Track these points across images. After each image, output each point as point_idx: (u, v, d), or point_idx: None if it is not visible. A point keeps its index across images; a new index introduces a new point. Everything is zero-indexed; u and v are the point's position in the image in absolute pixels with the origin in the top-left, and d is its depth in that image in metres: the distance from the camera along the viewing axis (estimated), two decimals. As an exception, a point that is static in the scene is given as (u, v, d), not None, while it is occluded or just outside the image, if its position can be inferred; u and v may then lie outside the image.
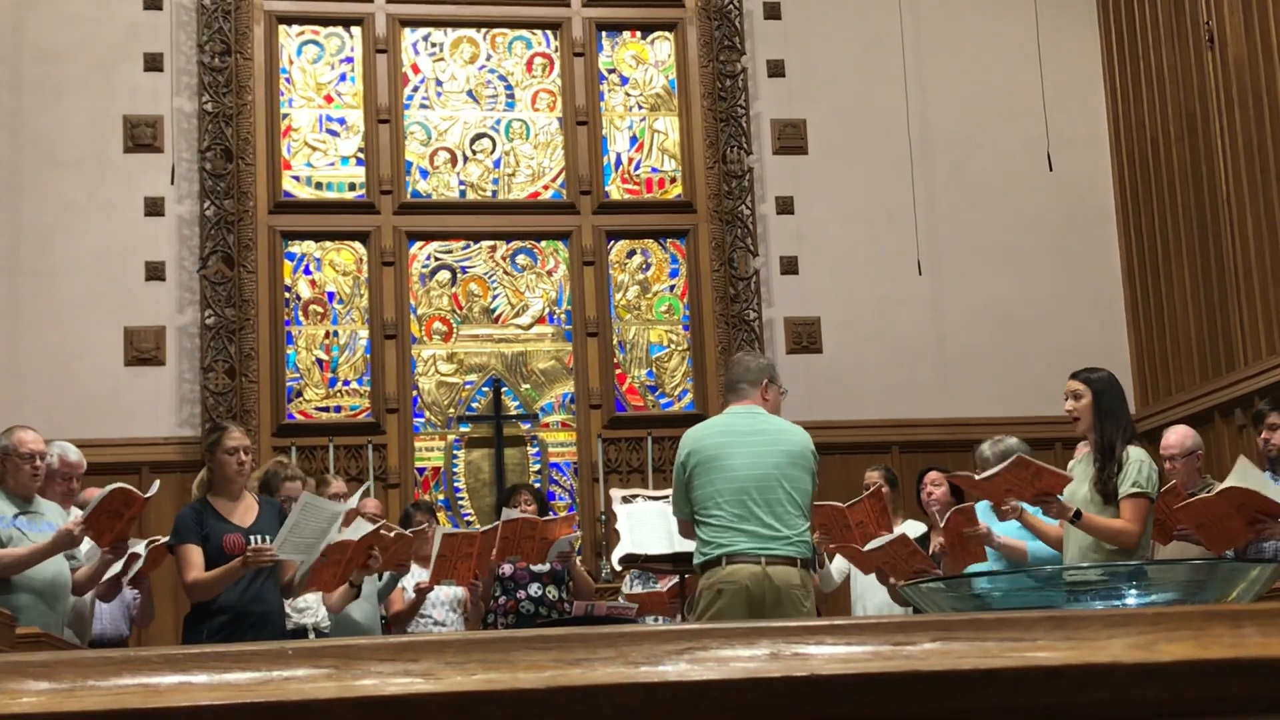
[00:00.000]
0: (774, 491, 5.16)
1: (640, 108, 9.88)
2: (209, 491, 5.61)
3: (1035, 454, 5.79)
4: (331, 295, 9.35)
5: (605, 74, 9.87)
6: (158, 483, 6.06)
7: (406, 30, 9.71)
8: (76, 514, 5.82)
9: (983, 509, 5.53)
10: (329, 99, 9.57)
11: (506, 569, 6.80)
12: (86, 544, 5.63)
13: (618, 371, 9.49)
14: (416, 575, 6.65)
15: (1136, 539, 4.97)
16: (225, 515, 5.50)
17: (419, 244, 9.49)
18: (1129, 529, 4.97)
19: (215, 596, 5.36)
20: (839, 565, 6.74)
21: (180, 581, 5.57)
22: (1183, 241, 9.28)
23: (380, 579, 6.41)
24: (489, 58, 9.79)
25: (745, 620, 4.61)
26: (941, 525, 5.74)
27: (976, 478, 5.21)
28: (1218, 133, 8.87)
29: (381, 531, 5.85)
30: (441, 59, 9.74)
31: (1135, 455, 5.05)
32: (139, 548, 5.74)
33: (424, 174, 9.59)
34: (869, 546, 5.96)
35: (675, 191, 9.78)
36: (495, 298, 9.52)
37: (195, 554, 5.41)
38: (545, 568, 6.83)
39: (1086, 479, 5.10)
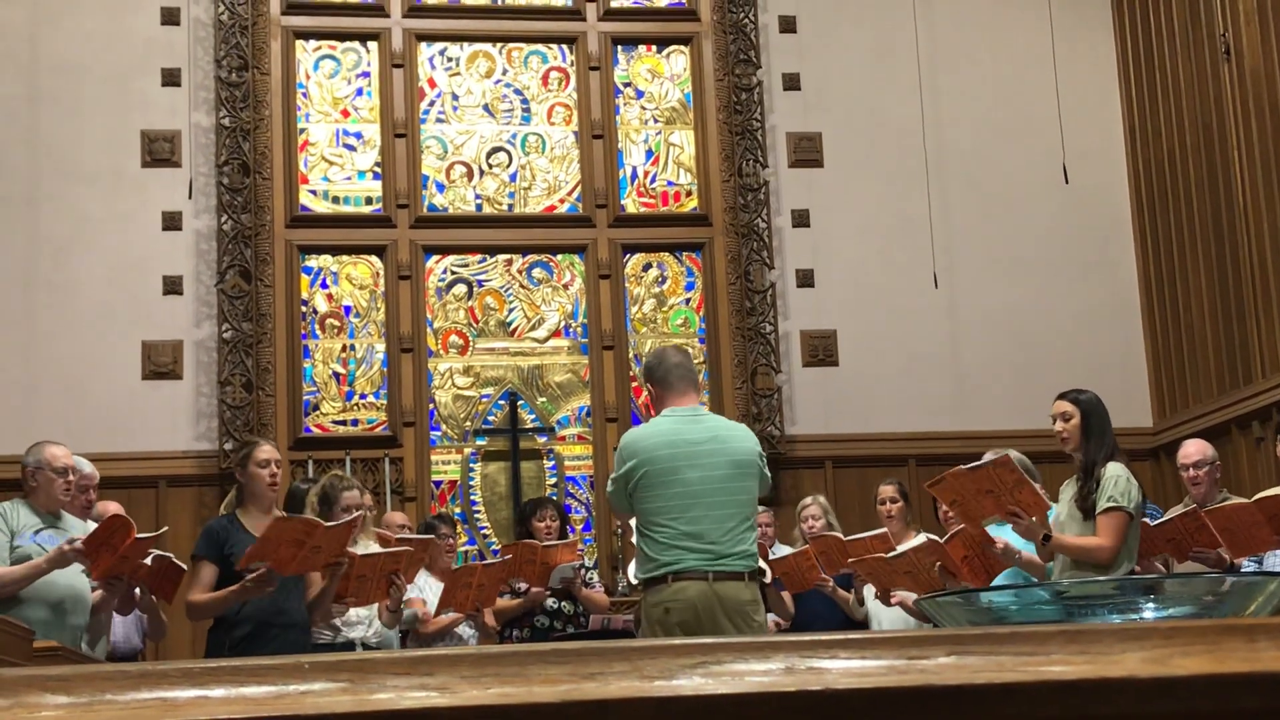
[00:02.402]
0: (723, 506, 5.03)
1: (656, 121, 9.90)
2: (238, 507, 5.62)
3: (1050, 469, 5.80)
4: (348, 309, 9.37)
5: (621, 88, 9.89)
6: (165, 529, 6.06)
7: (423, 45, 9.74)
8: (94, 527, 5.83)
9: (1003, 530, 5.51)
10: (346, 113, 9.60)
11: (521, 585, 6.80)
12: None
13: (634, 384, 9.49)
14: (432, 588, 6.65)
15: (1109, 554, 4.98)
16: (254, 531, 5.49)
17: (435, 257, 9.51)
18: (1101, 545, 4.98)
19: (239, 609, 5.35)
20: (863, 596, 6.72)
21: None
22: (1200, 253, 9.27)
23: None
24: (505, 72, 9.82)
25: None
26: (946, 539, 5.71)
27: (963, 469, 5.19)
28: (1234, 144, 8.86)
29: (395, 547, 5.87)
30: (458, 73, 9.77)
31: (1113, 471, 5.09)
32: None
33: (440, 188, 9.62)
34: (895, 552, 5.96)
35: (691, 205, 9.80)
36: (511, 311, 9.53)
37: (206, 572, 5.40)
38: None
39: (1069, 498, 5.15)
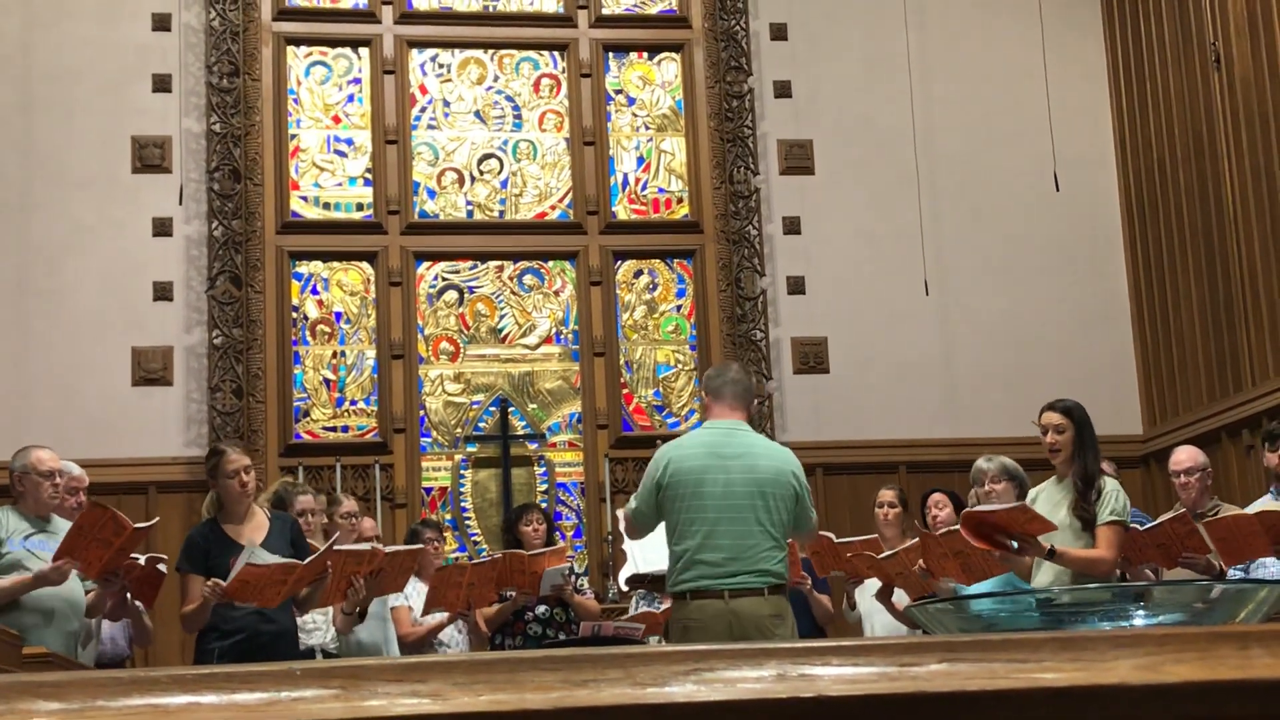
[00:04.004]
0: (744, 523, 5.03)
1: (647, 128, 9.90)
2: (218, 512, 5.61)
3: (1040, 476, 5.79)
4: (339, 315, 9.36)
5: (612, 95, 9.89)
6: (157, 519, 6.03)
7: (414, 51, 9.73)
8: None
9: None
10: (337, 120, 9.60)
11: (510, 593, 6.77)
12: None
13: (624, 391, 9.49)
14: (420, 594, 6.64)
15: (1112, 567, 5.09)
16: (234, 536, 5.49)
17: (426, 264, 9.50)
18: (1104, 557, 5.07)
19: (227, 619, 5.34)
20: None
21: None
22: (1190, 261, 9.28)
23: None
24: (496, 78, 9.82)
25: None
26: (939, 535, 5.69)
27: (978, 509, 5.23)
28: (1224, 153, 8.88)
29: (375, 549, 5.84)
30: (449, 80, 9.77)
31: (1111, 485, 5.20)
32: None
33: (431, 194, 9.61)
34: (886, 553, 6.00)
35: (682, 212, 9.80)
36: (502, 318, 9.53)
37: (194, 586, 5.39)
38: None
39: (1062, 506, 5.16)
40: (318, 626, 6.06)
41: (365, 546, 5.94)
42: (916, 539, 6.00)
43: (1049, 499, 5.27)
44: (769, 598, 5.03)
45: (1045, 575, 5.16)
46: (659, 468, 5.18)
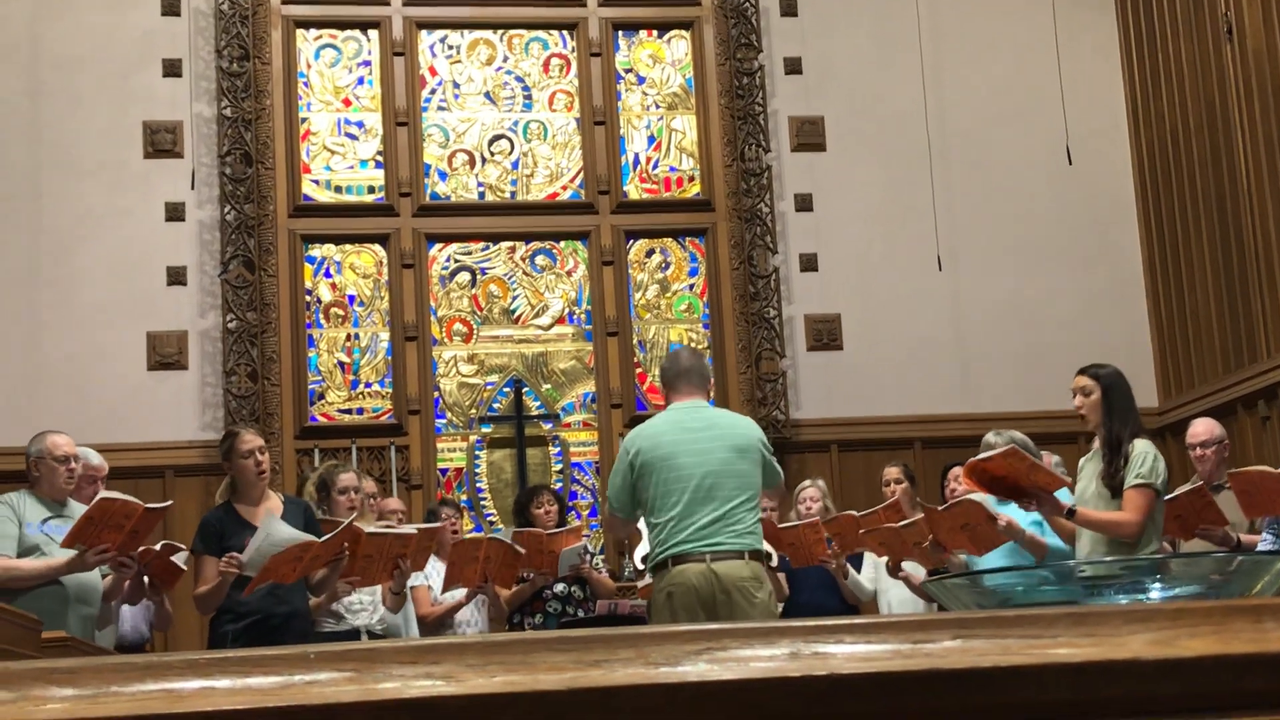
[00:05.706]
0: (721, 489, 5.16)
1: (658, 107, 9.88)
2: (233, 494, 5.64)
3: (1057, 449, 5.79)
4: (352, 298, 9.37)
5: (622, 74, 9.87)
6: (170, 502, 6.05)
7: (423, 33, 9.72)
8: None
9: (1007, 508, 5.48)
10: (347, 102, 9.59)
11: (529, 574, 6.78)
12: None
13: (638, 370, 9.49)
14: (439, 573, 6.65)
15: (1136, 529, 4.96)
16: (248, 519, 5.51)
17: (438, 246, 9.51)
18: (1128, 519, 4.97)
19: (244, 600, 5.37)
20: (868, 573, 6.77)
21: None
22: (1203, 233, 9.25)
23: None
24: (506, 59, 9.81)
25: (697, 622, 4.71)
26: (944, 508, 5.66)
27: (976, 458, 5.19)
28: (1237, 124, 8.83)
29: (400, 531, 5.86)
30: (459, 61, 9.75)
31: (1141, 448, 5.06)
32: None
33: (442, 176, 9.61)
34: (902, 524, 6.00)
35: (694, 190, 9.78)
36: (515, 298, 9.53)
37: (209, 567, 5.43)
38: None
39: (1095, 475, 5.10)
40: (364, 607, 6.07)
41: (410, 529, 5.97)
42: (921, 514, 6.00)
43: (1092, 469, 5.21)
44: (749, 562, 5.15)
45: (1084, 544, 5.11)
46: (629, 451, 5.34)
